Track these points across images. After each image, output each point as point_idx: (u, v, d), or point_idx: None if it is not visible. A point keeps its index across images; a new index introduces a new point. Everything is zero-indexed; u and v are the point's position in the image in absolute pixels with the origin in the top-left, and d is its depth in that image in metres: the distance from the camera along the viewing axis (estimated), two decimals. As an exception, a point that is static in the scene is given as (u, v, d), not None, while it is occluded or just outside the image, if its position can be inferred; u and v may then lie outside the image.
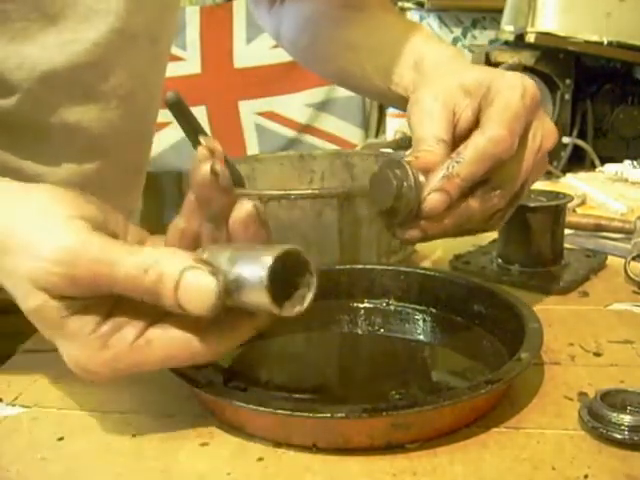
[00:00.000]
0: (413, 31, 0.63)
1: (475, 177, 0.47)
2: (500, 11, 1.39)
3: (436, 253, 0.73)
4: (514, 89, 0.49)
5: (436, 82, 0.53)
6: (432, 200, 0.47)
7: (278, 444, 0.40)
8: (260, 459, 0.39)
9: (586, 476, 0.37)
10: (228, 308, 0.39)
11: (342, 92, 2.11)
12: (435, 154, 0.48)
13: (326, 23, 0.71)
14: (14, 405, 0.45)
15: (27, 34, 0.55)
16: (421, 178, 0.47)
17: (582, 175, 1.08)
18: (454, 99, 0.51)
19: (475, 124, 0.50)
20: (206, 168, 0.39)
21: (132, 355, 0.39)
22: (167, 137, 1.90)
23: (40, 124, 0.59)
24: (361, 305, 0.58)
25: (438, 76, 0.54)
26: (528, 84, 0.50)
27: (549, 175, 1.13)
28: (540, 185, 1.00)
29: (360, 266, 0.60)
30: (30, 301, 0.38)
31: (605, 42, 1.15)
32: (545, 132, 0.51)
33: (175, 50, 2.00)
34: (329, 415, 0.38)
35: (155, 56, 0.67)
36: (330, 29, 0.70)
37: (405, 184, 0.46)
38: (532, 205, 0.64)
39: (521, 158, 0.49)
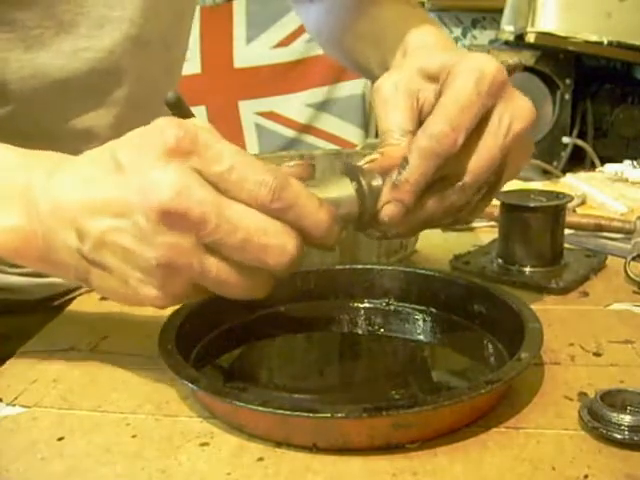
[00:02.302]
0: (412, 19, 0.63)
1: (426, 178, 0.46)
2: (500, 11, 1.40)
3: (436, 253, 0.73)
4: (469, 74, 0.46)
5: (399, 68, 0.52)
6: (387, 211, 0.46)
7: (278, 444, 0.40)
8: (260, 459, 0.39)
9: (586, 476, 0.37)
10: None
11: (342, 92, 2.12)
12: (402, 148, 0.47)
13: (342, 15, 0.72)
14: (14, 405, 0.45)
15: (42, 42, 0.55)
16: (378, 182, 0.46)
17: (582, 175, 1.08)
18: (416, 85, 0.49)
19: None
20: None
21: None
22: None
23: (53, 131, 0.59)
24: (361, 305, 0.58)
25: (405, 62, 0.53)
26: (488, 67, 0.46)
27: (549, 175, 1.13)
28: (540, 185, 1.00)
29: (360, 266, 0.60)
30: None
31: (605, 42, 1.16)
32: (516, 113, 0.47)
33: (175, 50, 2.00)
34: (329, 415, 0.38)
35: (169, 62, 0.67)
36: (344, 20, 0.71)
37: (362, 192, 0.46)
38: (532, 205, 0.64)
39: (481, 147, 0.46)
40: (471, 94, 0.45)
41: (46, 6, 0.55)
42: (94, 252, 0.40)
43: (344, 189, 0.45)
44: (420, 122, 0.48)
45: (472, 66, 0.46)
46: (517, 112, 0.47)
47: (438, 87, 0.48)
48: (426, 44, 0.58)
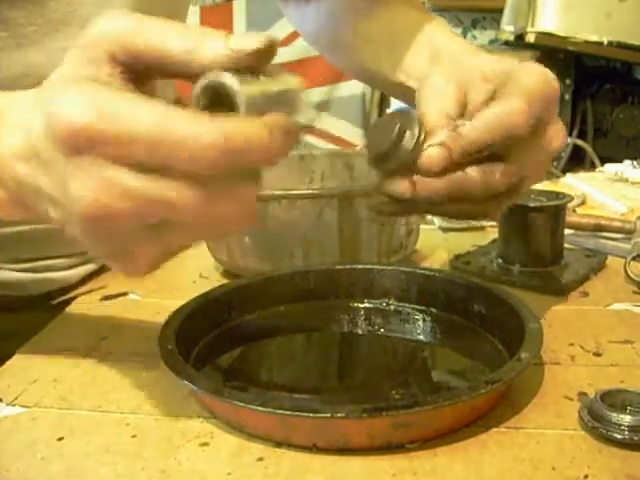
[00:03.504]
0: (430, 23, 0.63)
1: (481, 145, 0.45)
2: (500, 11, 1.40)
3: (436, 253, 0.73)
4: (539, 75, 0.47)
5: (451, 67, 0.52)
6: (430, 153, 0.44)
7: (278, 444, 0.40)
8: (260, 459, 0.39)
9: (586, 476, 0.37)
10: None
11: (342, 92, 2.11)
12: (437, 125, 0.46)
13: (347, 16, 0.71)
14: (14, 405, 0.45)
15: (33, 40, 0.55)
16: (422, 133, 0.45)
17: (582, 175, 1.08)
18: (469, 81, 0.49)
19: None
20: None
21: None
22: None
23: None
24: (361, 305, 0.58)
25: (455, 62, 0.53)
26: (553, 77, 0.48)
27: (549, 175, 1.13)
28: (540, 185, 1.00)
29: (360, 266, 0.60)
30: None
31: (605, 42, 1.16)
32: (556, 132, 0.48)
33: (175, 50, 2.00)
34: (329, 415, 0.38)
35: None
36: (351, 22, 0.70)
37: (407, 132, 0.44)
38: (532, 205, 0.64)
39: (531, 147, 0.47)
40: (543, 90, 0.46)
41: (37, 5, 0.55)
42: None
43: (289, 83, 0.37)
44: (463, 116, 0.47)
45: (540, 70, 0.48)
46: (557, 132, 0.49)
47: (492, 87, 0.48)
48: (461, 50, 0.58)
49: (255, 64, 0.35)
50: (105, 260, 0.39)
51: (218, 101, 0.35)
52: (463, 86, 0.49)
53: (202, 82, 0.35)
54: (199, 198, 0.34)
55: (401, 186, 0.45)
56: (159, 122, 0.32)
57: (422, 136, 0.45)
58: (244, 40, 0.35)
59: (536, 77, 0.47)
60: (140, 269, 0.38)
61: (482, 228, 0.82)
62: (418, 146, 0.44)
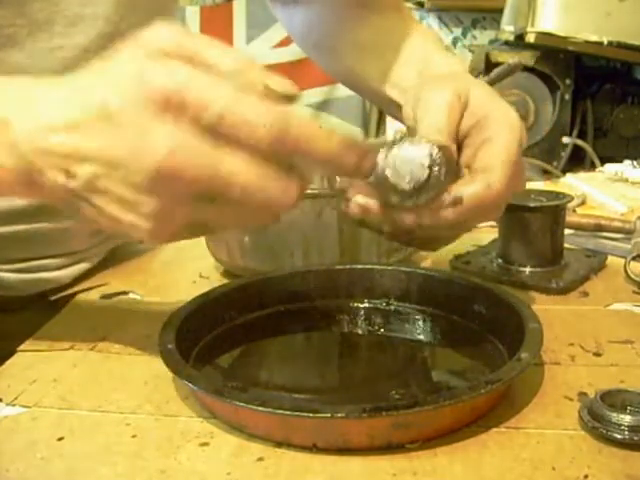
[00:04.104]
0: (421, 37, 0.64)
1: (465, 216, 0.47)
2: (500, 11, 1.39)
3: (436, 253, 0.73)
4: (515, 131, 0.49)
5: (449, 79, 0.53)
6: (447, 214, 0.46)
7: (278, 444, 0.40)
8: (260, 459, 0.39)
9: (586, 476, 0.37)
10: None
11: (342, 92, 2.11)
12: (453, 154, 0.47)
13: (338, 21, 0.71)
14: (14, 405, 0.45)
15: (15, 41, 0.55)
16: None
17: (582, 175, 1.08)
18: (465, 98, 0.50)
19: (463, 137, 0.50)
20: None
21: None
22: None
23: None
24: (361, 305, 0.58)
25: (447, 78, 0.54)
26: (522, 126, 0.50)
27: (549, 175, 1.13)
28: (540, 185, 1.00)
29: (360, 266, 0.60)
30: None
31: (605, 42, 1.16)
32: (520, 175, 0.50)
33: (175, 50, 2.00)
34: (329, 415, 0.38)
35: None
36: (340, 27, 0.70)
37: (435, 172, 0.44)
38: (532, 205, 0.64)
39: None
40: (517, 155, 0.49)
41: (19, 4, 0.54)
42: (84, 192, 0.40)
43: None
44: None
45: (513, 123, 0.50)
46: (522, 175, 0.51)
47: (474, 120, 0.50)
48: (448, 70, 0.59)
49: None
50: (135, 224, 0.40)
51: None
52: (463, 99, 0.50)
53: None
54: (254, 175, 0.37)
55: (409, 218, 0.46)
56: (234, 96, 0.37)
57: (446, 177, 0.44)
58: None
59: (511, 136, 0.49)
60: (165, 236, 0.41)
61: (482, 228, 0.82)
62: (440, 189, 0.45)
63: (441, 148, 0.44)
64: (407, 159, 0.43)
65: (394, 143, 0.44)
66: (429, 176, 0.43)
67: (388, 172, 0.43)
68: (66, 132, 0.39)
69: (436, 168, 0.44)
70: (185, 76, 0.37)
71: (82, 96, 0.39)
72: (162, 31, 0.39)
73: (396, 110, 0.59)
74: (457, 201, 0.45)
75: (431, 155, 0.43)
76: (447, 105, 0.49)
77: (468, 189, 0.46)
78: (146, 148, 0.37)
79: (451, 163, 0.46)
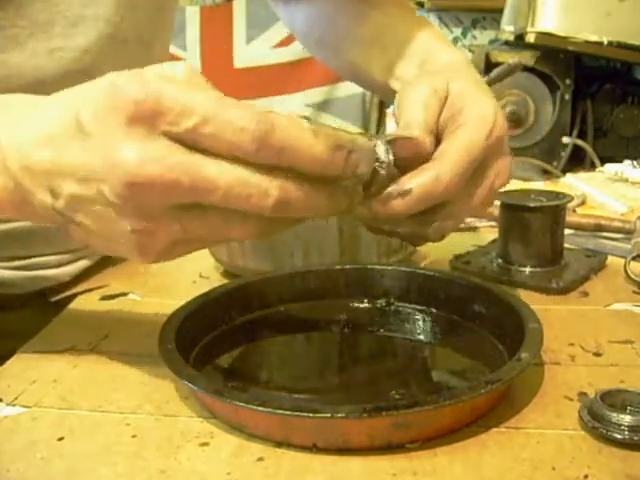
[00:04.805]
0: (424, 31, 0.64)
1: (413, 211, 0.47)
2: (500, 11, 1.39)
3: (436, 253, 0.73)
4: (483, 124, 0.48)
5: (430, 76, 0.53)
6: (395, 206, 0.46)
7: (278, 444, 0.40)
8: (260, 459, 0.39)
9: (586, 476, 0.37)
10: None
11: (342, 92, 2.11)
12: (425, 146, 0.47)
13: (340, 17, 0.71)
14: (14, 405, 0.45)
15: (17, 42, 0.55)
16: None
17: (582, 175, 1.08)
18: (444, 92, 0.51)
19: (442, 130, 0.50)
20: None
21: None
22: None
23: None
24: (361, 305, 0.58)
25: (430, 75, 0.54)
26: (499, 120, 0.49)
27: (549, 175, 1.13)
28: (540, 185, 1.00)
29: (360, 266, 0.60)
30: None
31: (605, 42, 1.15)
32: (500, 170, 0.50)
33: (175, 50, 2.00)
34: (329, 415, 0.38)
35: (149, 61, 0.66)
36: (343, 23, 0.70)
37: (382, 168, 0.44)
38: (532, 205, 0.64)
39: (471, 195, 0.49)
40: (481, 147, 0.48)
41: (20, 5, 0.54)
42: (69, 212, 0.40)
43: (364, 139, 0.42)
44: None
45: (486, 115, 0.49)
46: (501, 170, 0.50)
47: (449, 113, 0.50)
48: (447, 61, 0.59)
49: None
50: (121, 242, 0.39)
51: None
52: (442, 97, 0.50)
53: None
54: (234, 181, 0.36)
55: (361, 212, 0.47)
56: (214, 103, 0.36)
57: (391, 172, 0.45)
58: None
59: (479, 128, 0.48)
60: (154, 253, 0.40)
61: (482, 228, 0.82)
62: (387, 180, 0.45)
63: (403, 142, 0.46)
64: None
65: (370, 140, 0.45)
66: (374, 172, 0.44)
67: None
68: (45, 147, 0.39)
69: (379, 164, 0.44)
70: (158, 85, 0.36)
71: (60, 111, 0.39)
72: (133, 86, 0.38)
73: None
74: (406, 192, 0.46)
75: (375, 153, 0.44)
76: (422, 101, 0.49)
77: (417, 180, 0.46)
78: (116, 160, 0.36)
79: (419, 156, 0.47)
